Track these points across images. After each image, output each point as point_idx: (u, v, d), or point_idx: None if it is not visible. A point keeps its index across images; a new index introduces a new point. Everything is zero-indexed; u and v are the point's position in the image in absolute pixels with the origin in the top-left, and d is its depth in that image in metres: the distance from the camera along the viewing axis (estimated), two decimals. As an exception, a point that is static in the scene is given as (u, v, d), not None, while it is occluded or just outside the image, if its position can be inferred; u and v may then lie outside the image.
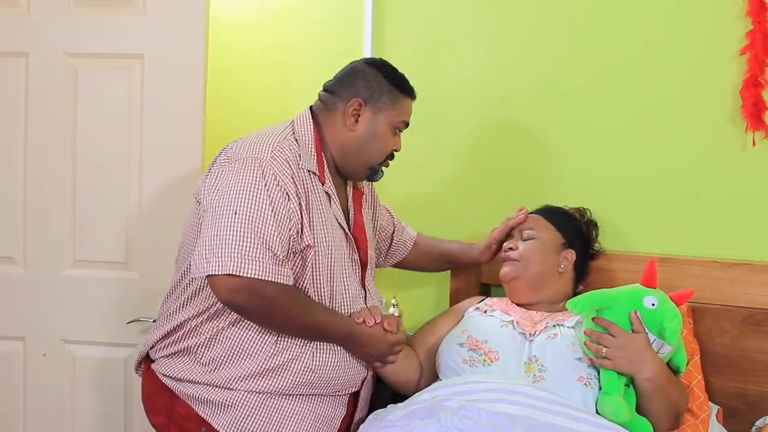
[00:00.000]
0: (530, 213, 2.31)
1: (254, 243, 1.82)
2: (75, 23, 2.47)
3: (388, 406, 2.04)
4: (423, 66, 2.57)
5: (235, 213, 1.84)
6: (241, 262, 1.81)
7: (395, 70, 2.08)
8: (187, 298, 2.00)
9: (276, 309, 1.88)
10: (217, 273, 1.82)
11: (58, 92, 2.49)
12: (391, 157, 2.10)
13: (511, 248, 2.24)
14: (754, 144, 2.33)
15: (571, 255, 2.24)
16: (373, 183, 2.22)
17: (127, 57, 2.47)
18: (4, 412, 2.59)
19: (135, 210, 2.50)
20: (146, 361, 2.11)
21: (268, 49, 2.81)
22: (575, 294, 2.19)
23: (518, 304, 2.22)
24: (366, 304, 2.07)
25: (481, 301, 2.29)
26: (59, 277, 2.53)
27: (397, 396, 2.14)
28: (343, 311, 2.00)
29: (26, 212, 2.53)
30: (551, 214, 2.29)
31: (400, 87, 2.06)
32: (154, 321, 2.33)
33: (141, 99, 2.48)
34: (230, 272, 1.81)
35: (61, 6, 2.47)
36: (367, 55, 2.64)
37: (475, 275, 2.54)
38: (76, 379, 2.56)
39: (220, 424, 1.95)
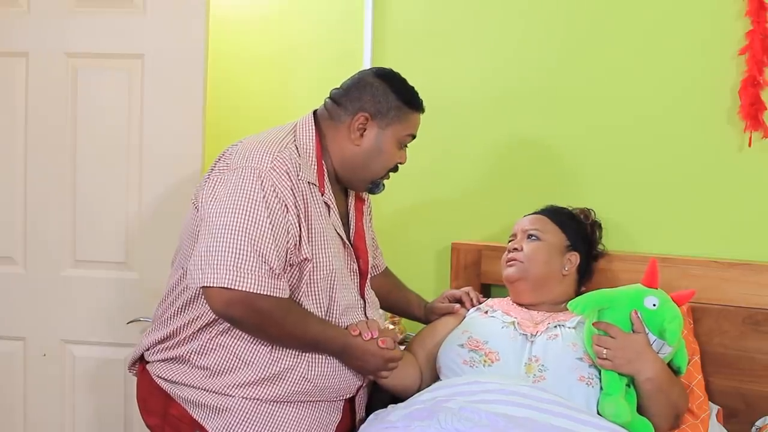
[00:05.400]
0: (535, 213, 2.31)
1: (250, 255, 1.80)
2: (75, 23, 2.47)
3: (389, 406, 2.04)
4: (424, 67, 2.57)
5: (232, 224, 1.82)
6: (236, 275, 1.79)
7: (404, 82, 2.05)
8: (182, 305, 1.98)
9: (269, 322, 1.87)
10: (211, 285, 1.81)
11: (58, 92, 2.49)
12: (395, 170, 2.08)
13: (515, 249, 2.23)
14: (750, 144, 2.34)
15: (575, 257, 2.24)
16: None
17: (127, 57, 2.47)
18: (4, 412, 2.59)
19: (135, 210, 2.50)
20: (141, 362, 2.10)
21: (268, 49, 2.81)
22: (578, 295, 2.18)
23: (520, 305, 2.22)
24: (366, 313, 2.06)
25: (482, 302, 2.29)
26: (59, 277, 2.53)
27: (397, 397, 2.14)
28: (341, 322, 1.98)
29: (26, 212, 2.53)
30: (556, 214, 2.29)
31: (408, 101, 2.02)
32: (153, 321, 2.33)
33: (141, 99, 2.47)
34: (224, 285, 1.79)
35: (61, 6, 2.47)
36: (368, 55, 2.64)
37: (475, 276, 2.54)
38: (76, 379, 2.56)
39: (214, 428, 1.94)
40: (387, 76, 2.04)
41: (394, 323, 2.53)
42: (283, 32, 2.80)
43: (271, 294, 1.83)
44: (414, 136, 2.07)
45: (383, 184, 2.08)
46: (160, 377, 2.01)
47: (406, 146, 2.08)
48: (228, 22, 2.81)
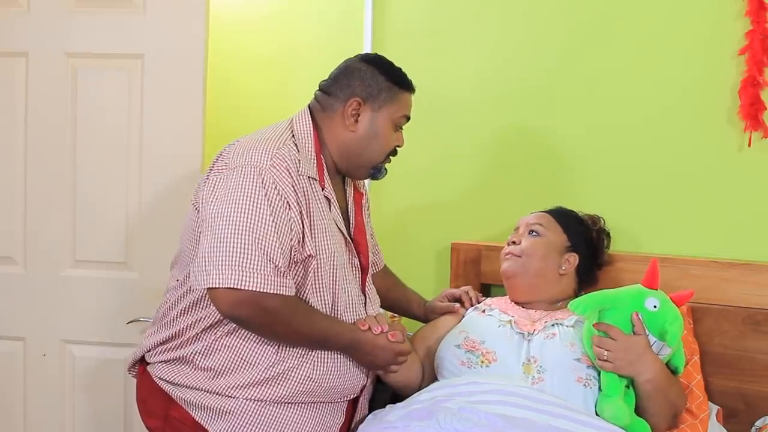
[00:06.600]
0: (542, 211, 2.30)
1: (255, 255, 1.79)
2: (75, 23, 2.48)
3: (387, 406, 2.04)
4: (424, 67, 2.56)
5: (235, 223, 1.81)
6: (242, 275, 1.78)
7: (391, 64, 2.04)
8: (186, 307, 1.97)
9: (277, 321, 1.86)
10: (217, 286, 1.79)
11: (58, 92, 2.49)
12: (394, 153, 2.07)
13: (514, 242, 2.23)
14: (750, 144, 2.34)
15: (573, 258, 2.23)
16: (371, 190, 2.21)
17: (127, 57, 2.47)
18: (4, 412, 2.59)
19: (135, 210, 2.50)
20: (141, 363, 2.09)
21: (268, 49, 2.81)
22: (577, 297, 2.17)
23: (517, 303, 2.22)
24: (366, 309, 2.05)
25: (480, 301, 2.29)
26: (59, 277, 2.53)
27: (397, 396, 2.14)
28: (344, 319, 1.97)
29: (26, 212, 2.53)
30: (561, 215, 2.28)
31: (398, 82, 2.02)
32: (153, 321, 2.33)
33: (141, 99, 2.48)
34: (231, 285, 1.78)
35: (61, 6, 2.47)
36: (367, 54, 2.65)
37: (475, 276, 2.54)
38: (76, 379, 2.56)
39: (217, 430, 1.93)
40: (373, 60, 2.04)
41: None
42: (283, 32, 2.80)
43: (278, 292, 1.82)
44: (408, 118, 2.06)
45: (385, 169, 2.07)
46: (162, 379, 2.00)
47: (401, 128, 2.07)
48: (228, 22, 2.81)
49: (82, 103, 2.50)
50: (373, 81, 1.99)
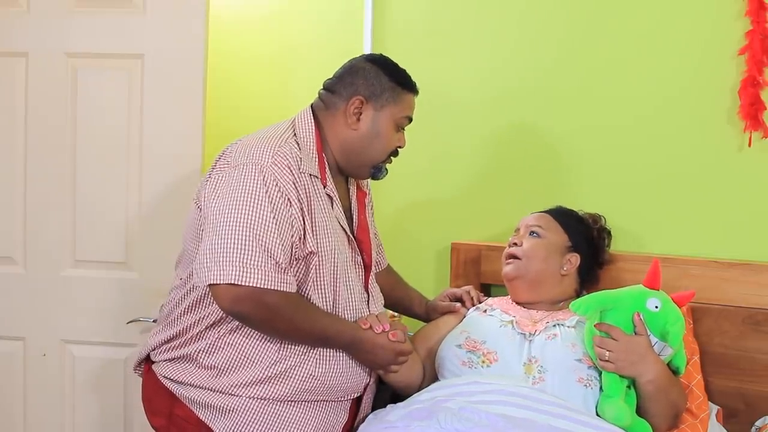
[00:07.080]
0: (542, 211, 2.30)
1: (256, 251, 1.80)
2: (75, 23, 2.47)
3: (388, 406, 2.04)
4: (424, 67, 2.55)
5: (236, 220, 1.82)
6: (243, 271, 1.79)
7: (396, 65, 2.06)
8: (190, 305, 1.98)
9: (278, 317, 1.86)
10: (218, 282, 1.80)
11: (58, 92, 2.49)
12: (395, 154, 2.07)
13: (515, 243, 2.23)
14: (750, 144, 2.34)
15: (575, 258, 2.23)
16: (372, 190, 2.21)
17: (127, 57, 2.47)
18: (4, 412, 2.59)
19: (135, 210, 2.50)
20: (146, 362, 2.10)
21: (268, 49, 2.81)
22: (579, 297, 2.16)
23: (518, 303, 2.22)
24: (369, 307, 2.05)
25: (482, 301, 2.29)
26: (59, 277, 2.53)
27: (397, 396, 2.14)
28: (346, 316, 1.98)
29: (26, 212, 2.53)
30: (561, 215, 2.28)
31: (401, 83, 2.03)
32: (154, 321, 2.33)
33: (141, 99, 2.47)
34: (232, 281, 1.79)
35: (61, 6, 2.47)
36: (367, 55, 2.65)
37: (475, 276, 2.54)
38: (76, 379, 2.56)
39: (220, 428, 1.93)
40: (378, 60, 2.05)
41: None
42: (283, 32, 2.80)
43: (278, 288, 1.83)
44: (410, 119, 2.07)
45: (386, 169, 2.08)
46: (166, 377, 2.00)
47: (403, 129, 2.07)
48: (228, 22, 2.81)
49: (82, 103, 2.50)
50: (376, 80, 2.00)
